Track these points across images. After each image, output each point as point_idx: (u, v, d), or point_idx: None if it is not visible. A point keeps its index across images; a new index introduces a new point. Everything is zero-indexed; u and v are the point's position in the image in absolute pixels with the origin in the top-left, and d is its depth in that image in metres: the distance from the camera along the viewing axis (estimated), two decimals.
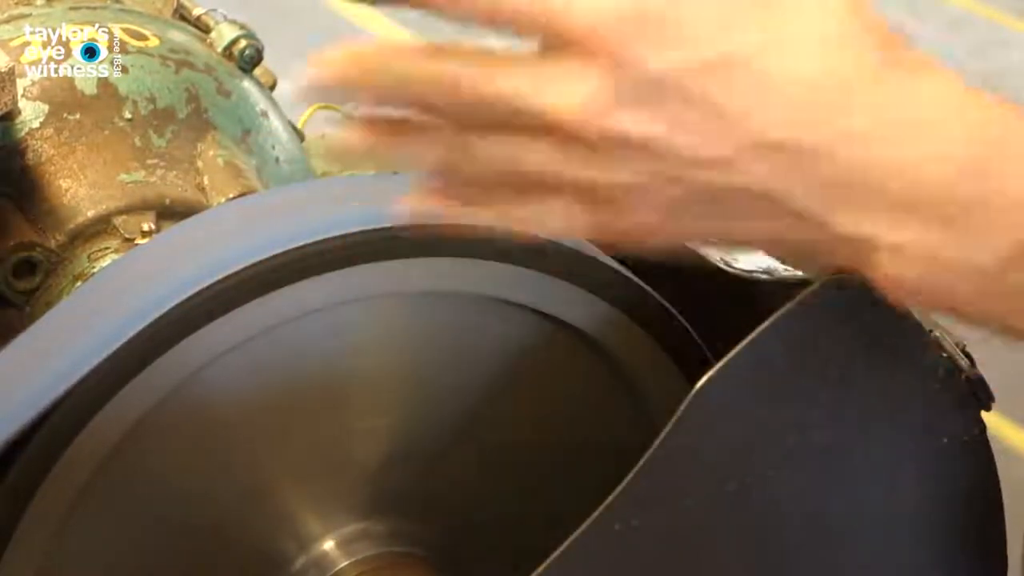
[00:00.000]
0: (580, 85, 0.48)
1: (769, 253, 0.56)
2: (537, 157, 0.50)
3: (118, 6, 0.88)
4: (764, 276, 0.63)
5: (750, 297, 0.62)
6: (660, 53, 0.48)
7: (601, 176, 0.50)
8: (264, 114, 0.87)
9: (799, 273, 0.61)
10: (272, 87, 0.92)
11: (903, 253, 0.50)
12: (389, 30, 3.16)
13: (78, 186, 0.80)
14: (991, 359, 0.61)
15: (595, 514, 0.57)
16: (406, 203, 0.53)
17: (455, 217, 0.53)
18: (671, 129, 0.49)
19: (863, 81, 0.49)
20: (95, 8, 0.86)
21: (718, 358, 0.57)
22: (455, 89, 0.49)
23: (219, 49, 0.87)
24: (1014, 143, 0.50)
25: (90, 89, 0.82)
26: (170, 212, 0.80)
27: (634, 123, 0.48)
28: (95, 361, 0.56)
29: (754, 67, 0.48)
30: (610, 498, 0.57)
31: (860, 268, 0.51)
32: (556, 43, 0.48)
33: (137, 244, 0.77)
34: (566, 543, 0.58)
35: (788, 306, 0.56)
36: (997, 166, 0.50)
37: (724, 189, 0.50)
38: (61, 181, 0.80)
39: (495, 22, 0.49)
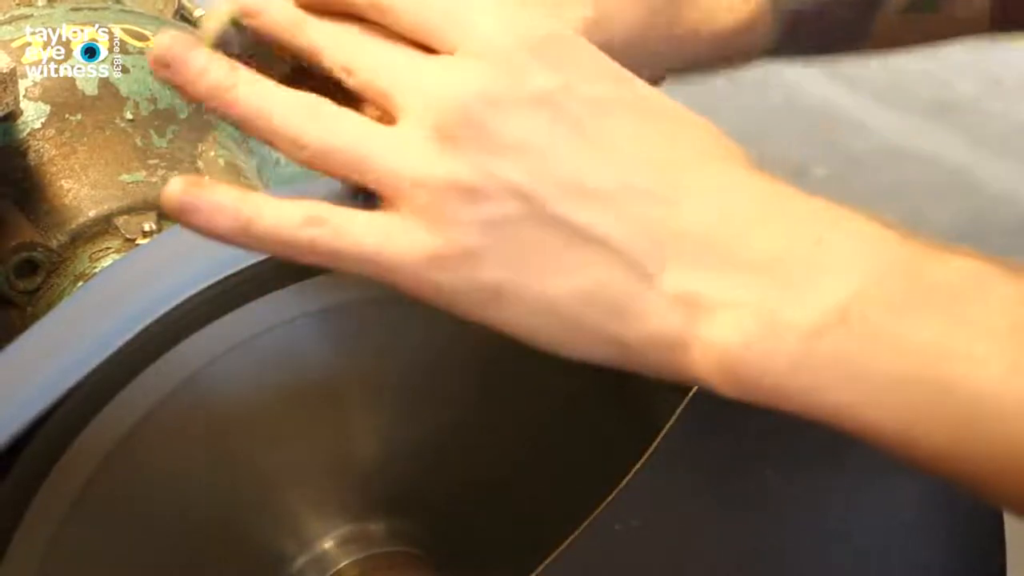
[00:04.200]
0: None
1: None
2: None
3: (119, 7, 0.88)
4: None
5: None
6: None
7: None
8: None
9: None
10: None
11: (730, 310, 0.49)
12: None
13: (79, 186, 0.80)
14: None
15: (595, 514, 0.58)
16: None
17: None
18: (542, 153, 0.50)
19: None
20: (96, 9, 0.86)
21: None
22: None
23: None
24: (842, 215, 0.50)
25: (91, 90, 0.82)
26: None
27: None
28: (96, 361, 0.56)
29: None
30: (610, 498, 0.57)
31: (678, 338, 0.50)
32: None
33: (138, 244, 0.77)
34: (566, 543, 0.58)
35: None
36: (827, 225, 0.50)
37: (561, 223, 0.50)
38: (62, 181, 0.80)
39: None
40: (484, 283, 0.50)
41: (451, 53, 0.51)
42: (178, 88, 0.53)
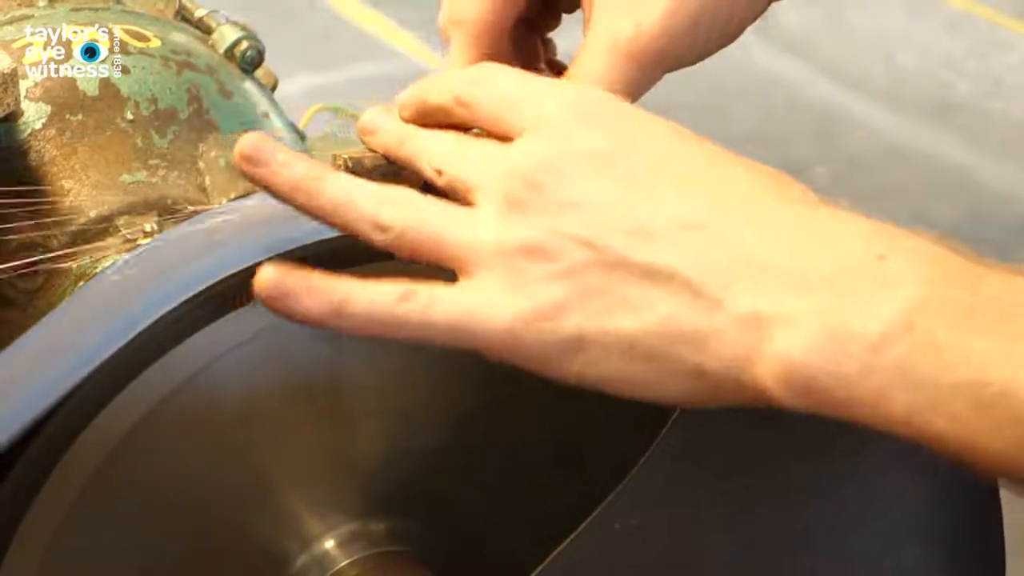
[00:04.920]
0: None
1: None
2: None
3: (120, 7, 0.88)
4: None
5: None
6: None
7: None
8: (265, 115, 0.88)
9: None
10: (273, 88, 0.92)
11: (794, 324, 0.50)
12: (390, 31, 3.16)
13: (80, 187, 0.80)
14: None
15: (595, 513, 0.58)
16: None
17: None
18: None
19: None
20: (97, 9, 0.86)
21: None
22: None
23: (221, 50, 0.87)
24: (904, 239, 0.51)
25: (92, 90, 0.82)
26: (172, 212, 0.80)
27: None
28: (97, 362, 0.56)
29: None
30: (610, 498, 0.58)
31: (746, 358, 0.50)
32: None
33: (139, 244, 0.77)
34: (566, 542, 0.58)
35: None
36: (886, 243, 0.51)
37: (628, 264, 0.52)
38: (63, 182, 0.80)
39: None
40: (567, 334, 0.52)
41: (521, 136, 0.55)
42: (263, 182, 0.56)
